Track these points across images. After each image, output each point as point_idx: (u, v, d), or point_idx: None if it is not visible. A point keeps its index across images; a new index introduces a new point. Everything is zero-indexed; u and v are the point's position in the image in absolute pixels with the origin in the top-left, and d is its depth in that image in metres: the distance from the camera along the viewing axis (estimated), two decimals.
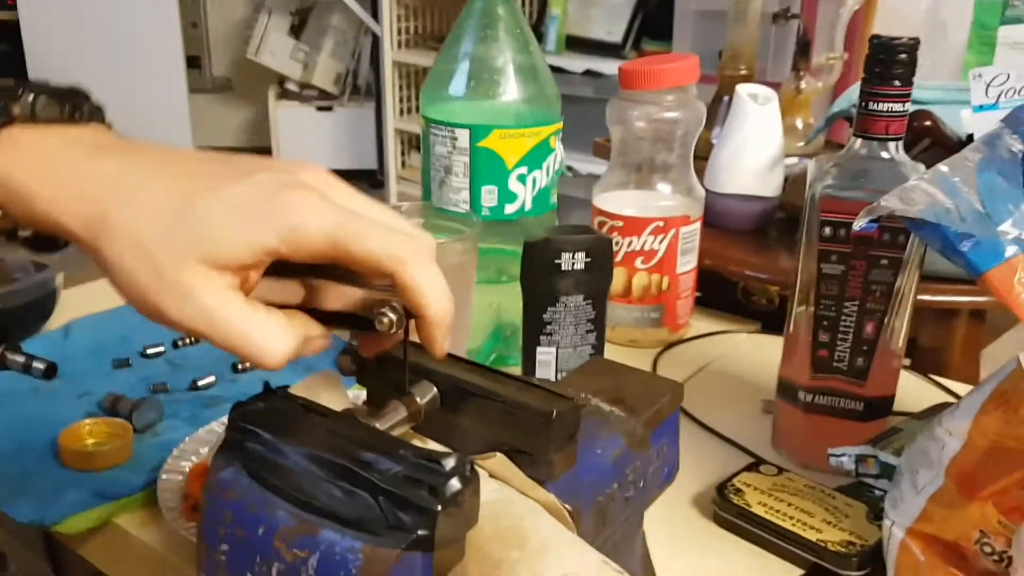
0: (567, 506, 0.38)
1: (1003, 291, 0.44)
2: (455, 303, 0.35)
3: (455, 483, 0.30)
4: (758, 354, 0.79)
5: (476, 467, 0.37)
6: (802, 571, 0.52)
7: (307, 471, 0.32)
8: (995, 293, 0.44)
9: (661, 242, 0.76)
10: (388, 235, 0.33)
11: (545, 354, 0.65)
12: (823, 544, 0.52)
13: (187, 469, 0.55)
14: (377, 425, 0.35)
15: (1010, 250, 0.44)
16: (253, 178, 0.33)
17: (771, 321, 0.85)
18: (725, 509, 0.55)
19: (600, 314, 0.65)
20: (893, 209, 0.48)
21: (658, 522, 0.48)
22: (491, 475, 0.37)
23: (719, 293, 0.89)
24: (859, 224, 0.48)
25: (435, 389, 0.38)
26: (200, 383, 0.69)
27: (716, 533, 0.55)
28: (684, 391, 0.49)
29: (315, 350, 0.36)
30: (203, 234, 0.32)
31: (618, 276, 0.77)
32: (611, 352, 0.76)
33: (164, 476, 0.55)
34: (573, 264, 0.63)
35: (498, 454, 0.37)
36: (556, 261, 0.63)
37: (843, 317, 0.59)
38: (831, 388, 0.60)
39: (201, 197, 0.32)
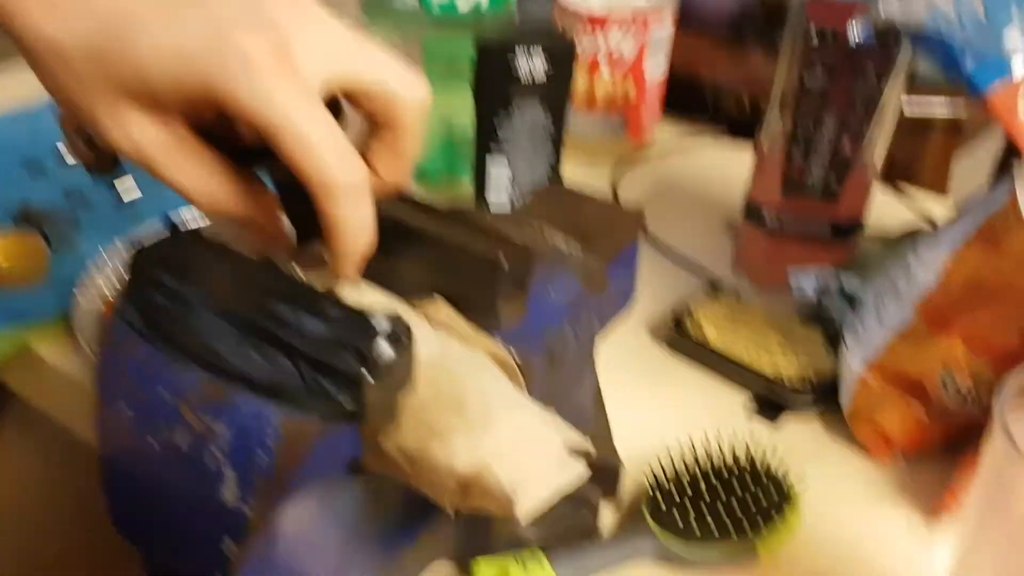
0: (515, 357, 0.35)
1: (1006, 116, 0.40)
2: None
3: (386, 348, 0.26)
4: (724, 167, 0.75)
5: (414, 316, 0.33)
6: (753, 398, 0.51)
7: (218, 328, 0.28)
8: (997, 117, 0.40)
9: (629, 42, 0.70)
10: (325, 155, 0.28)
11: (497, 169, 0.60)
12: (779, 379, 0.50)
13: (105, 290, 0.51)
14: (300, 272, 0.31)
15: (1018, 71, 0.40)
16: (209, 6, 0.28)
17: (740, 130, 0.80)
18: (681, 340, 0.53)
19: (559, 128, 0.60)
20: (892, 17, 0.43)
21: (612, 347, 0.46)
22: (430, 322, 0.34)
23: (686, 99, 0.83)
24: (856, 36, 0.42)
25: None
26: (124, 197, 0.63)
27: (671, 360, 0.54)
28: (645, 212, 0.45)
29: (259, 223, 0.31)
30: (133, 68, 0.28)
31: (579, 81, 0.71)
32: (572, 163, 0.71)
33: (80, 299, 0.51)
34: (531, 71, 0.57)
35: (439, 299, 0.33)
36: (511, 68, 0.57)
37: (820, 133, 0.54)
38: (800, 208, 0.57)
39: (139, 24, 0.28)
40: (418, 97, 0.33)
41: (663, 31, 0.71)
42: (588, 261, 0.41)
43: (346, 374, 0.26)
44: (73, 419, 0.50)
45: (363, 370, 0.26)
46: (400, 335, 0.27)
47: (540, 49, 0.57)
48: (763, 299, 0.57)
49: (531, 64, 0.57)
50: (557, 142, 0.61)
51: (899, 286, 0.46)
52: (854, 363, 0.48)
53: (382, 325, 0.27)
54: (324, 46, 0.30)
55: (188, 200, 0.30)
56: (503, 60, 0.56)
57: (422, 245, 0.33)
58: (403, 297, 0.34)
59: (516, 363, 0.34)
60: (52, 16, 0.27)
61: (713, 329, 0.54)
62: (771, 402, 0.50)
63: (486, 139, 0.59)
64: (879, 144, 0.55)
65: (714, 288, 0.57)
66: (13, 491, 0.63)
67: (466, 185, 0.61)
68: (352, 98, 0.32)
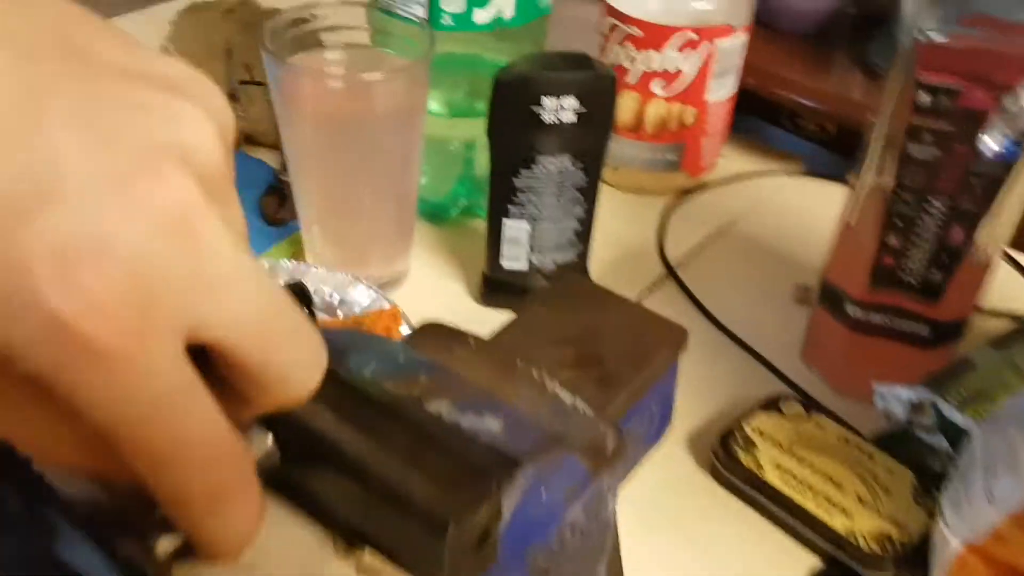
0: None
1: None
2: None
3: None
4: (799, 211, 0.63)
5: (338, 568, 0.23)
6: (819, 561, 0.41)
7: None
8: None
9: (690, 61, 0.57)
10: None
11: (514, 230, 0.49)
12: (852, 538, 0.39)
13: None
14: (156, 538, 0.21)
15: None
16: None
17: (822, 155, 0.68)
18: (729, 469, 0.43)
19: (593, 180, 0.49)
20: None
21: (637, 473, 0.36)
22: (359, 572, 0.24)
23: (760, 117, 0.71)
24: (991, 146, 0.30)
25: (268, 438, 0.24)
26: None
27: (716, 494, 0.43)
28: (688, 267, 0.35)
29: None
30: None
31: (628, 103, 0.59)
32: (611, 200, 0.60)
33: None
34: (559, 113, 0.46)
35: (368, 551, 0.23)
36: (535, 109, 0.45)
37: (924, 216, 0.42)
38: (891, 306, 0.45)
39: None
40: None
41: (733, 44, 0.58)
42: (598, 430, 0.30)
43: None
44: None
45: None
46: None
47: (571, 82, 0.45)
48: (838, 410, 0.46)
49: (559, 102, 0.46)
50: (589, 196, 0.49)
51: (1020, 454, 0.35)
52: (952, 540, 0.37)
53: None
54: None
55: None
56: (524, 98, 0.45)
57: (339, 472, 0.23)
58: (331, 531, 0.24)
59: None
60: None
61: (770, 455, 0.43)
62: (839, 566, 0.40)
63: (502, 195, 0.48)
64: (999, 233, 0.43)
65: (776, 399, 0.45)
66: None
67: (482, 228, 0.50)
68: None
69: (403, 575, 0.24)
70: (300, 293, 0.27)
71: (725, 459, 0.43)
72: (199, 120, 0.19)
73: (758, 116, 0.69)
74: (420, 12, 0.51)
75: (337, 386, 0.25)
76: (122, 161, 0.17)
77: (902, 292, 0.44)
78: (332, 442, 0.23)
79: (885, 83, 0.42)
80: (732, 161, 0.66)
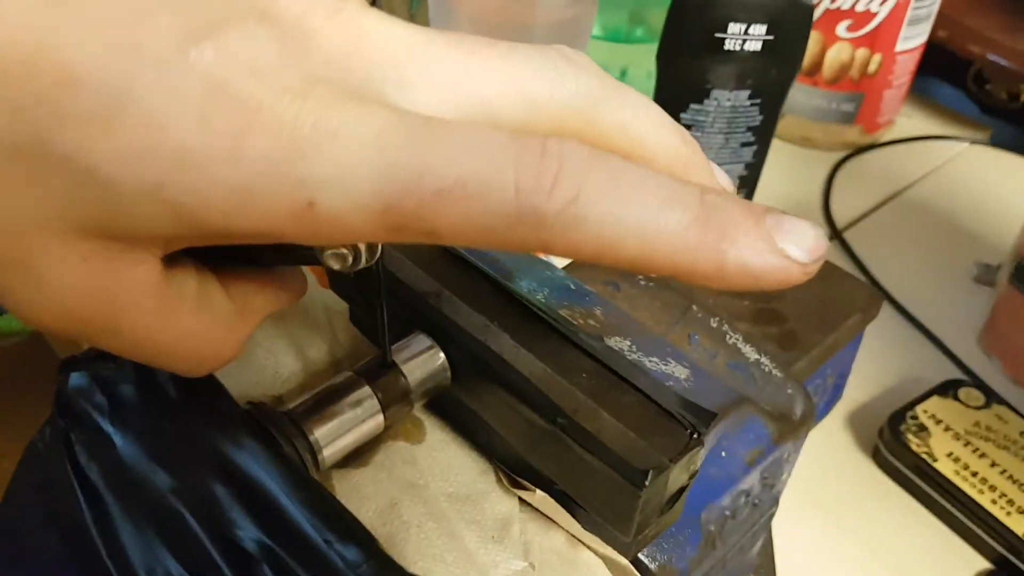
0: (652, 565, 0.23)
1: None
2: None
3: None
4: (983, 180, 0.57)
5: (502, 500, 0.21)
6: (987, 564, 0.37)
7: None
8: None
9: (885, 1, 0.52)
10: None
11: None
12: None
13: None
14: (316, 434, 0.19)
15: None
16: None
17: (1008, 127, 0.61)
18: (896, 454, 0.39)
19: (769, 122, 0.45)
20: None
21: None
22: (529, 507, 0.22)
23: (941, 73, 0.64)
24: None
25: (440, 355, 0.22)
26: None
27: (879, 483, 0.40)
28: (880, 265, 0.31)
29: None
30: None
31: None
32: (773, 150, 0.56)
33: None
34: (744, 41, 0.42)
35: (539, 492, 0.21)
36: (718, 35, 0.42)
37: None
38: None
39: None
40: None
41: None
42: (786, 392, 0.27)
43: None
44: None
45: None
46: None
47: (762, 6, 0.41)
48: (1016, 404, 0.41)
49: (746, 29, 0.42)
50: (762, 139, 0.46)
51: None
52: None
53: None
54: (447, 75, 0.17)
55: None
56: (707, 20, 0.42)
57: (524, 401, 0.20)
58: (499, 464, 0.22)
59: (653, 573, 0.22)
60: None
61: (944, 444, 0.39)
62: (1008, 570, 0.36)
63: None
64: None
65: (954, 383, 0.41)
66: None
67: None
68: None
69: (574, 523, 0.22)
70: None
71: (892, 443, 0.39)
72: None
73: (944, 76, 0.63)
74: None
75: (513, 306, 0.23)
76: None
77: None
78: (511, 367, 0.21)
79: None
80: (910, 122, 0.61)
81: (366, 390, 0.20)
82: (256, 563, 0.17)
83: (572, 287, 0.27)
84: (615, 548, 0.22)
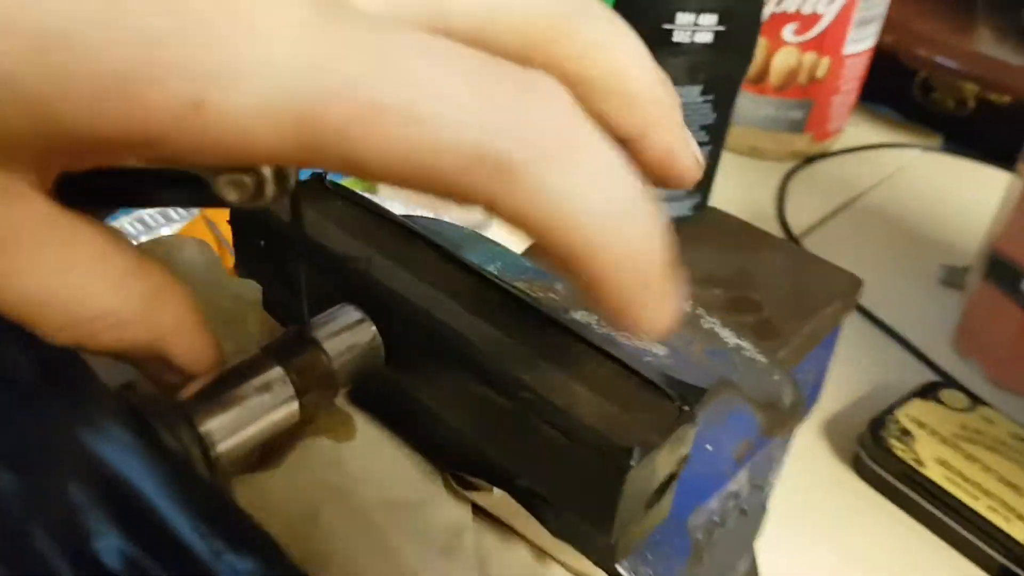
0: None
1: None
2: None
3: None
4: (937, 185, 0.56)
5: (448, 503, 0.18)
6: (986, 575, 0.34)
7: None
8: None
9: (832, 3, 0.51)
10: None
11: None
12: None
13: None
14: (209, 425, 0.15)
15: None
16: None
17: (956, 134, 0.61)
18: (879, 462, 0.36)
19: (722, 119, 0.43)
20: None
21: None
22: (475, 515, 0.18)
23: (885, 85, 0.64)
24: None
25: (370, 328, 0.18)
26: None
27: (863, 496, 0.36)
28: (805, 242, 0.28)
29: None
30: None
31: None
32: (724, 163, 0.53)
33: None
34: (694, 33, 0.40)
35: (497, 492, 0.17)
36: (666, 26, 0.39)
37: None
38: None
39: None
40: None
41: None
42: (771, 378, 0.24)
43: None
44: None
45: None
46: None
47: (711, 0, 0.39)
48: (1005, 401, 0.39)
49: (696, 19, 0.39)
50: (716, 138, 0.43)
51: None
52: None
53: None
54: None
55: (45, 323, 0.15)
56: (655, 11, 0.39)
57: (479, 379, 0.17)
58: (440, 463, 0.18)
59: None
60: None
61: (932, 449, 0.36)
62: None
63: None
64: None
65: (935, 385, 0.39)
66: None
67: None
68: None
69: (540, 530, 0.18)
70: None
71: (875, 450, 0.36)
72: None
73: (890, 87, 0.62)
74: None
75: (462, 274, 0.19)
76: None
77: None
78: (460, 335, 0.17)
79: None
80: (859, 131, 0.60)
81: (276, 371, 0.16)
82: None
83: (527, 263, 0.23)
84: (592, 559, 0.18)
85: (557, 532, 0.18)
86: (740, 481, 0.23)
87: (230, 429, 0.15)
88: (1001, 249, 0.41)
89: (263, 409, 0.16)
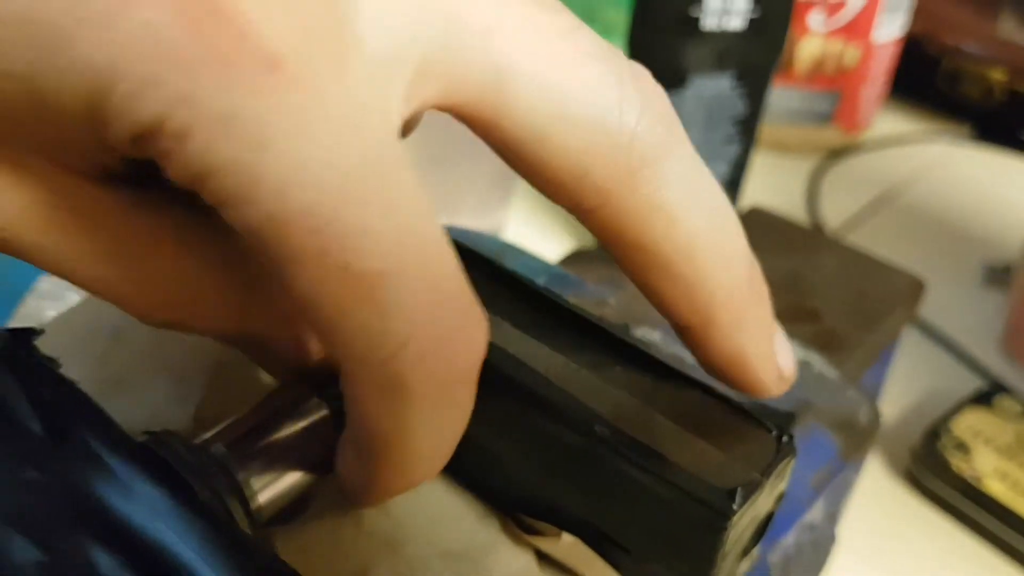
0: None
1: None
2: None
3: None
4: (974, 179, 0.54)
5: (506, 549, 0.16)
6: None
7: None
8: None
9: None
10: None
11: None
12: None
13: None
14: (248, 472, 0.14)
15: None
16: None
17: (984, 126, 0.59)
18: (937, 476, 0.34)
19: (755, 111, 0.41)
20: None
21: None
22: (538, 562, 0.16)
23: (910, 75, 0.62)
24: None
25: None
26: None
27: (914, 503, 0.35)
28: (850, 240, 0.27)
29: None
30: None
31: None
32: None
33: None
34: (724, 19, 0.38)
35: (567, 537, 0.16)
36: (693, 11, 0.38)
37: None
38: None
39: None
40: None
41: None
42: (846, 397, 0.22)
43: None
44: None
45: None
46: None
47: None
48: None
49: (726, 4, 0.38)
50: (748, 132, 0.42)
51: None
52: None
53: None
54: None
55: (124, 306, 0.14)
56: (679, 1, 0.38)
57: (542, 412, 0.15)
58: (497, 504, 0.17)
59: None
60: None
61: (992, 462, 0.34)
62: None
63: None
64: None
65: (987, 393, 0.37)
66: None
67: None
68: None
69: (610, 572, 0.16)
70: None
71: (931, 463, 0.34)
72: None
73: (918, 77, 0.61)
74: None
75: (513, 290, 0.17)
76: None
77: None
78: (521, 364, 0.15)
79: None
80: (889, 123, 0.58)
81: (319, 408, 0.15)
82: None
83: (571, 277, 0.22)
84: None
85: None
86: (816, 510, 0.21)
87: (272, 477, 0.14)
88: None
89: (307, 449, 0.14)
